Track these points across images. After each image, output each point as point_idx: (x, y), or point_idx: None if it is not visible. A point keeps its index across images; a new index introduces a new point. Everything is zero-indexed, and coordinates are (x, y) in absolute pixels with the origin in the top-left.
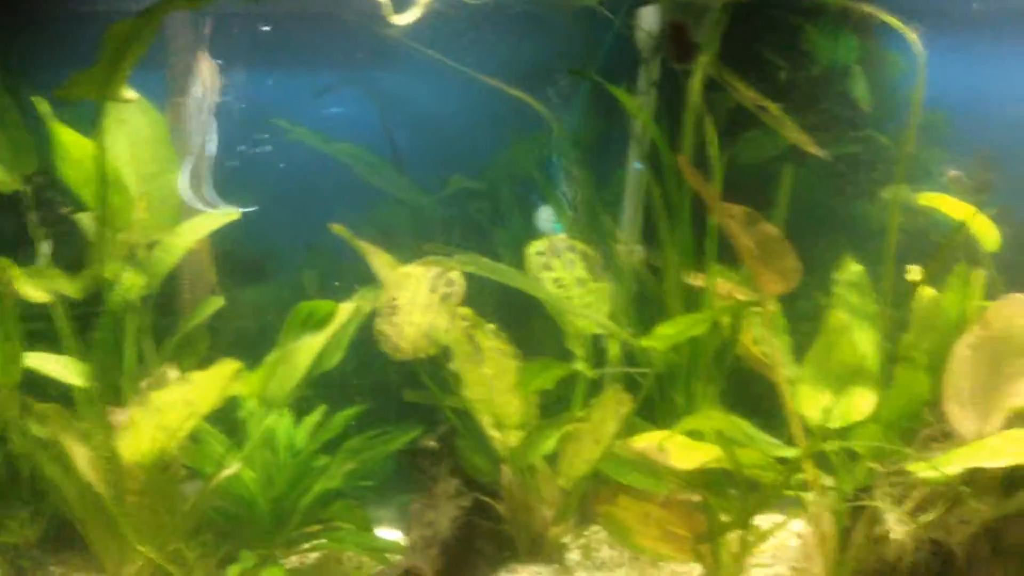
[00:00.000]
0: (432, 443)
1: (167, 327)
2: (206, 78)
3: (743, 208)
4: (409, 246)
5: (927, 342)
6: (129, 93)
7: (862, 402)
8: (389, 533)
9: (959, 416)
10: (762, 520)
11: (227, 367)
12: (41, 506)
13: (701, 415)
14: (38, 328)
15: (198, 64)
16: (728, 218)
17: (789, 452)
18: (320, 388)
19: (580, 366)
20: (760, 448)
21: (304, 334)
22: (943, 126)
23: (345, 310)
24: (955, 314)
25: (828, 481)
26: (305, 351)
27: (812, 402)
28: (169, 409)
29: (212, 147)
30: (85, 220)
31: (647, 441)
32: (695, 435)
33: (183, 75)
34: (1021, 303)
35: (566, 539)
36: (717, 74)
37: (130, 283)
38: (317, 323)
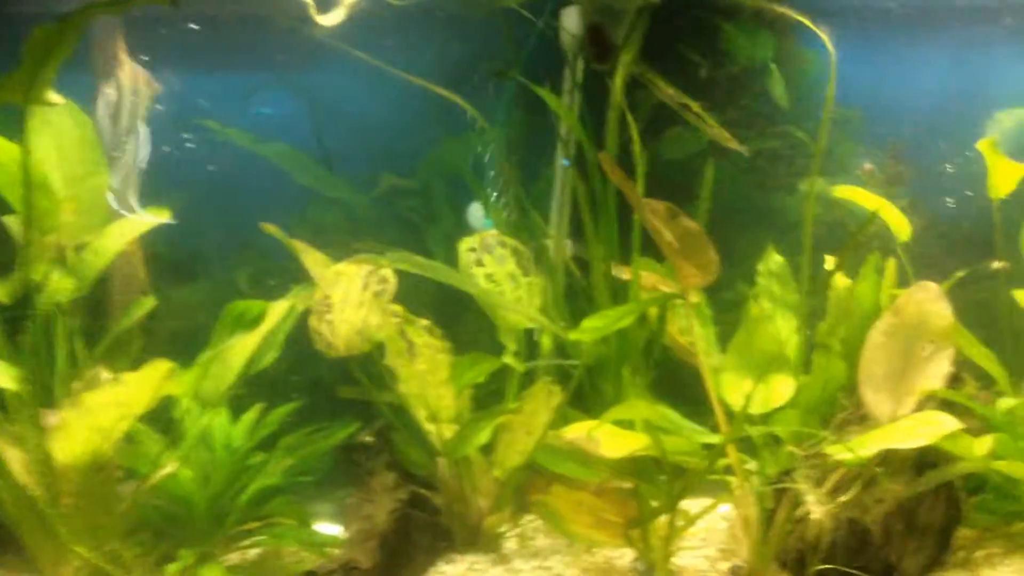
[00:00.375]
0: (368, 438)
1: (99, 329)
2: (129, 82)
3: (664, 204)
4: (342, 244)
5: (843, 329)
6: (54, 96)
7: (782, 388)
8: (328, 527)
9: (874, 400)
10: (691, 504)
11: (160, 367)
12: None
13: (629, 405)
14: None
15: (121, 68)
16: (650, 213)
17: (713, 438)
18: (256, 386)
19: (510, 360)
20: (686, 435)
21: (236, 333)
22: (857, 121)
23: (279, 309)
24: (869, 302)
25: (751, 465)
26: (239, 350)
27: (734, 389)
28: (102, 410)
29: (142, 152)
30: (12, 223)
31: (578, 431)
32: (624, 424)
33: (109, 77)
34: (931, 290)
35: (502, 528)
36: (639, 73)
37: (58, 286)
38: (249, 323)
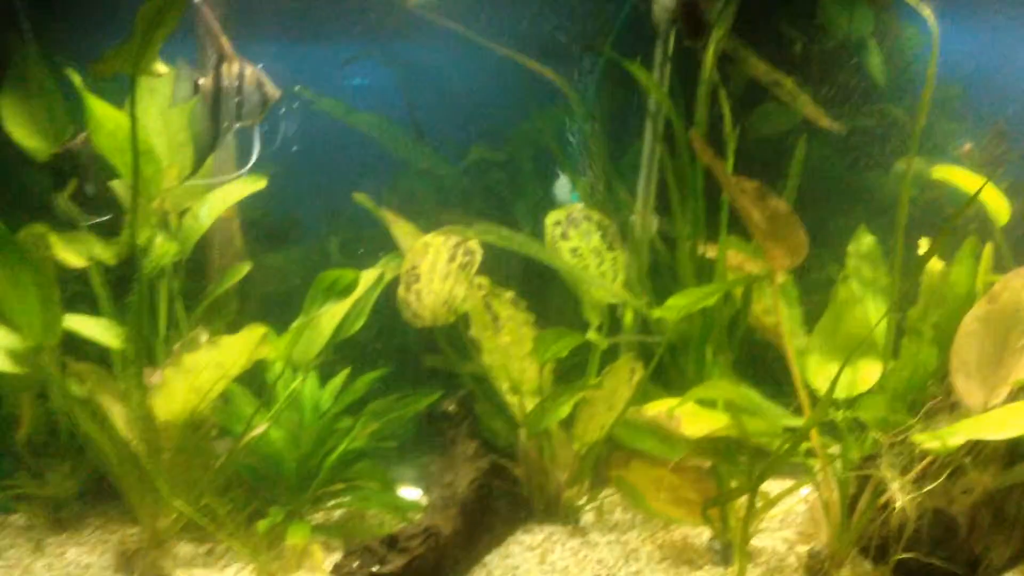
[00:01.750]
0: (451, 407)
1: (198, 291)
2: (231, 80)
3: (754, 183)
4: (430, 215)
5: (935, 315)
6: (161, 67)
7: (869, 372)
8: (410, 492)
9: (965, 388)
10: (771, 486)
11: (255, 331)
12: (80, 461)
13: (711, 384)
14: (76, 291)
15: (228, 63)
16: (739, 193)
17: (796, 421)
18: (344, 351)
19: (593, 336)
20: (768, 417)
21: (328, 301)
22: (958, 99)
23: (367, 277)
24: (964, 287)
25: (834, 450)
26: (329, 317)
27: (819, 372)
28: (201, 371)
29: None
30: (119, 188)
31: (659, 408)
32: (705, 403)
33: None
34: None
35: (580, 502)
36: (731, 48)
37: (162, 250)
38: (341, 291)
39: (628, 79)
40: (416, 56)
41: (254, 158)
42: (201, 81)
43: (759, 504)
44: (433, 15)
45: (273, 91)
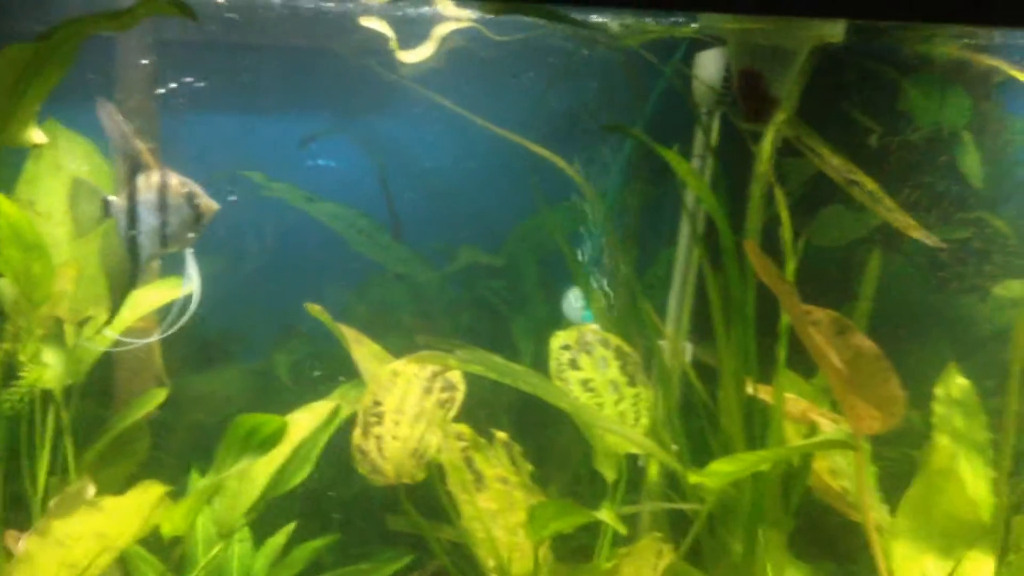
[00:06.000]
0: None
1: (101, 423)
2: (153, 195)
3: (830, 314)
4: (407, 332)
5: None
6: (38, 136)
7: (978, 571)
8: None
9: None
10: None
11: (150, 491)
12: None
13: None
14: None
15: (146, 174)
16: (810, 325)
17: None
18: (288, 504)
19: (606, 515)
20: None
21: (244, 456)
22: None
23: (318, 412)
24: None
25: None
26: (263, 464)
27: (910, 565)
28: (76, 542)
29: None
30: (6, 288)
31: None
32: None
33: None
34: None
35: None
36: (795, 136)
37: (35, 374)
38: (260, 443)
39: (658, 174)
40: (395, 133)
41: (193, 288)
42: (111, 199)
43: None
44: (419, 86)
45: (209, 205)
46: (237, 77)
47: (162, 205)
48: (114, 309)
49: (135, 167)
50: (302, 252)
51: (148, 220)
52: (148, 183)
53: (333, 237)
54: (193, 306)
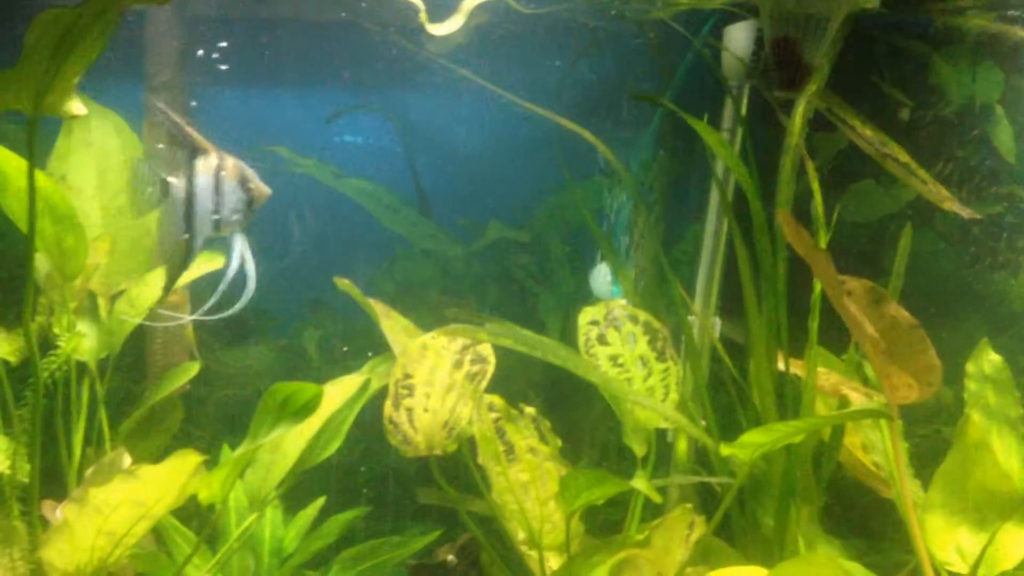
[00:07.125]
0: (449, 556)
1: (137, 397)
2: (208, 177)
3: (866, 283)
4: (434, 307)
5: None
6: (77, 107)
7: (1013, 544)
8: None
9: None
10: None
11: (187, 459)
12: None
13: (804, 559)
14: None
15: (204, 156)
16: (845, 295)
17: None
18: (319, 477)
19: (640, 483)
20: None
21: (280, 424)
22: None
23: (348, 386)
24: None
25: None
26: (294, 437)
27: (945, 539)
28: (113, 509)
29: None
30: (40, 262)
31: None
32: None
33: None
34: None
35: None
36: (826, 108)
37: (71, 344)
38: (296, 412)
39: (686, 147)
40: (423, 109)
41: (233, 268)
42: (172, 180)
43: None
44: (447, 60)
45: (261, 189)
46: (263, 52)
47: (217, 188)
48: (167, 288)
49: (193, 151)
50: (330, 229)
51: (204, 203)
52: (206, 166)
53: (362, 212)
54: (250, 290)
